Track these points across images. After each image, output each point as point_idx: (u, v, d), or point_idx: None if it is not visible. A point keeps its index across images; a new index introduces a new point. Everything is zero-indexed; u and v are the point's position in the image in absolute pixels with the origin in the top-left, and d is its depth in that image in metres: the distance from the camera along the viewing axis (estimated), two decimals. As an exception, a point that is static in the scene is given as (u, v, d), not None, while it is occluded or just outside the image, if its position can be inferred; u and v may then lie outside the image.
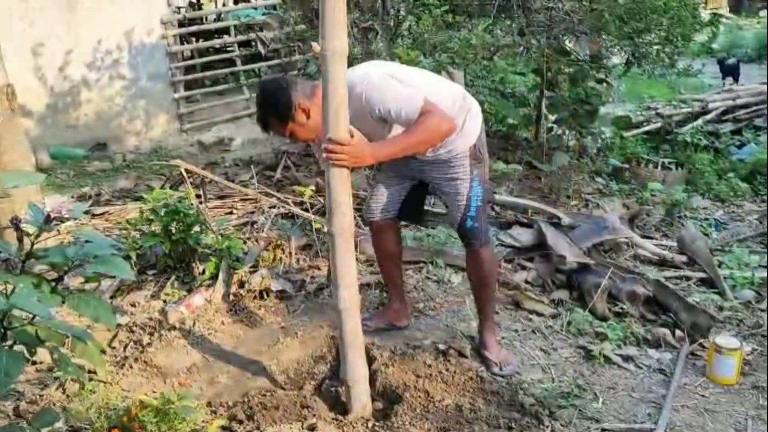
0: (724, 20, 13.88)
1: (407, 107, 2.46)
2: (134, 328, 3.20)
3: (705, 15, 6.76)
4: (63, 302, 2.22)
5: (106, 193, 5.65)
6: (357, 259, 2.94)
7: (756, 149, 6.17)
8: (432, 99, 2.50)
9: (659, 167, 5.79)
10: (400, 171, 2.88)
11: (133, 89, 7.91)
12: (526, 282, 3.72)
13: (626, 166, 5.80)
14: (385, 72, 2.57)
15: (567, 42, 5.55)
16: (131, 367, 2.88)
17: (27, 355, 1.91)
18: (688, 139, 6.37)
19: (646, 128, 6.89)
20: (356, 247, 3.35)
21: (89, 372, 2.71)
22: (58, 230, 3.71)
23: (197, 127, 8.23)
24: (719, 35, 8.04)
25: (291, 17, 6.74)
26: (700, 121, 6.94)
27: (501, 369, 2.85)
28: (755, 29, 14.21)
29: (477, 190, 2.75)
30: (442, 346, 2.97)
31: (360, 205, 4.55)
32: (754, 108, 7.15)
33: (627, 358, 3.04)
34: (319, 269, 3.79)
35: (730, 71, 9.68)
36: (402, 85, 2.52)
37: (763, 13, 16.76)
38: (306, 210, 4.34)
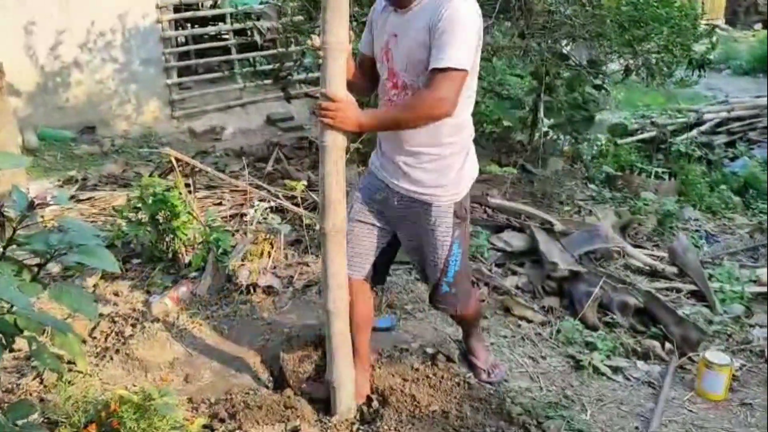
0: (719, 32, 13.94)
1: (452, 53, 2.04)
2: (116, 319, 3.14)
3: (703, 26, 6.75)
4: (44, 290, 2.16)
5: (93, 177, 5.55)
6: (347, 258, 2.88)
7: (749, 162, 6.17)
8: (465, 85, 2.15)
9: (652, 176, 5.77)
10: (378, 210, 2.48)
11: (125, 73, 7.79)
12: (517, 287, 3.68)
13: (620, 174, 5.78)
14: (477, 18, 2.16)
15: (566, 46, 5.52)
16: (112, 358, 2.81)
17: (4, 342, 1.85)
18: (682, 150, 6.36)
19: (641, 136, 6.87)
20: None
21: (68, 362, 2.64)
22: (42, 216, 3.65)
23: (189, 114, 8.13)
24: (716, 47, 8.01)
25: (289, 8, 6.66)
26: (694, 132, 6.94)
27: (489, 376, 2.81)
28: (749, 42, 14.26)
29: (456, 254, 2.41)
30: (430, 350, 2.93)
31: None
32: (748, 121, 7.16)
33: (616, 370, 3.01)
34: (307, 266, 3.73)
35: None
36: (471, 41, 2.11)
37: (758, 26, 16.84)
38: (297, 205, 4.27)
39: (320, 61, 2.14)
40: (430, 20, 2.10)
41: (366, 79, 2.47)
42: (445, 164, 2.32)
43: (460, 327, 2.92)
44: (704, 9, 16.90)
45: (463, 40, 2.07)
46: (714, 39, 6.35)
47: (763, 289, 3.79)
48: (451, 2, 2.09)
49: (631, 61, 5.40)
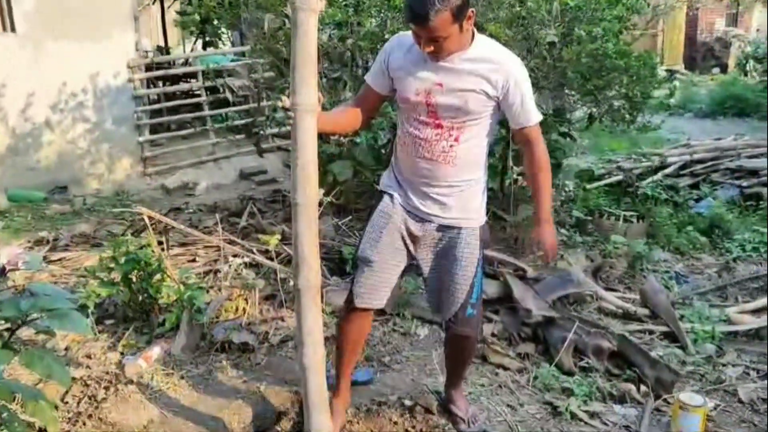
0: (679, 77, 14.46)
1: (534, 108, 2.43)
2: (89, 382, 3.07)
3: (662, 72, 7.01)
4: (15, 356, 2.13)
5: (65, 237, 5.50)
6: (323, 311, 2.89)
7: (713, 203, 6.33)
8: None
9: (621, 220, 5.89)
10: (404, 240, 2.56)
11: (97, 132, 7.80)
12: (493, 335, 3.70)
13: (589, 218, 5.89)
14: None
15: (531, 96, 5.67)
16: (84, 423, 2.75)
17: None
18: (649, 193, 6.51)
19: (608, 181, 7.03)
20: (322, 298, 3.30)
21: (39, 430, 2.58)
22: (14, 281, 3.61)
23: (161, 171, 8.14)
24: (676, 92, 8.33)
25: (260, 65, 6.79)
26: (659, 175, 7.11)
27: (469, 426, 2.80)
28: (709, 86, 14.77)
29: (480, 276, 2.58)
30: (408, 402, 2.92)
31: (327, 255, 4.53)
32: (710, 163, 7.37)
33: (593, 415, 3.02)
34: (283, 320, 3.72)
35: None
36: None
37: (716, 71, 17.48)
38: (271, 258, 4.28)
39: (290, 121, 2.19)
40: (492, 79, 2.33)
41: (362, 115, 2.58)
42: (473, 192, 2.53)
43: (454, 368, 2.86)
44: (663, 56, 17.57)
45: (532, 95, 2.43)
46: (673, 84, 6.61)
47: (734, 328, 3.86)
48: (508, 63, 2.36)
49: (594, 109, 5.57)
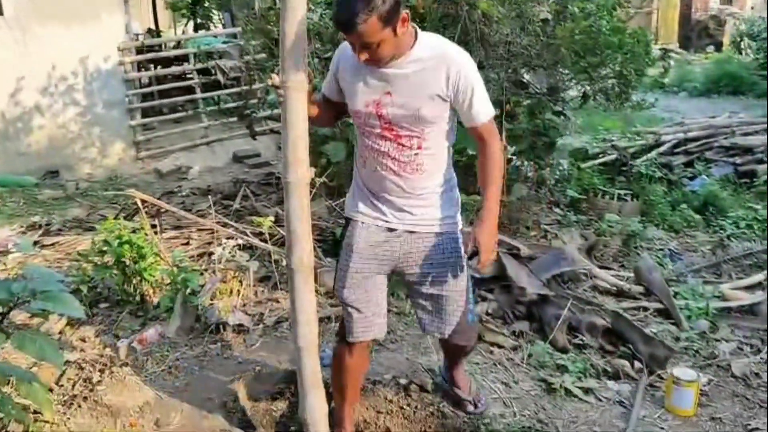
0: (674, 55, 14.39)
1: (486, 103, 2.27)
2: (84, 365, 3.08)
3: (656, 51, 6.96)
4: (8, 339, 2.12)
5: (57, 222, 5.48)
6: (317, 291, 2.89)
7: (707, 181, 6.33)
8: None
9: (615, 198, 5.88)
10: (382, 258, 2.40)
11: (88, 116, 7.74)
12: (487, 314, 3.71)
13: (584, 197, 5.88)
14: None
15: (525, 74, 5.64)
16: (80, 406, 2.75)
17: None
18: (643, 171, 6.50)
19: (602, 160, 7.02)
20: (316, 279, 3.30)
21: (34, 413, 2.58)
22: (5, 264, 3.59)
23: (154, 155, 8.09)
24: (670, 70, 8.27)
25: (251, 46, 6.72)
26: (653, 154, 7.10)
27: (476, 407, 2.80)
28: (704, 64, 14.73)
29: (470, 280, 2.48)
30: (403, 381, 2.93)
31: (320, 237, 4.52)
32: (704, 141, 7.36)
33: (587, 391, 3.03)
34: (277, 302, 3.72)
35: None
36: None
37: (710, 49, 17.42)
38: (265, 241, 4.27)
39: (281, 99, 2.17)
40: (441, 79, 2.18)
41: (330, 114, 2.48)
42: (446, 194, 2.40)
43: (454, 357, 2.81)
44: (657, 34, 17.49)
45: (483, 89, 2.27)
46: (667, 63, 6.57)
47: (727, 304, 3.88)
48: (455, 59, 2.20)
49: (588, 87, 5.54)
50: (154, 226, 4.26)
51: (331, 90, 2.40)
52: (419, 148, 2.27)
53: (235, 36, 8.69)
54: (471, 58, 2.27)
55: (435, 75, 2.18)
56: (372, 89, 2.23)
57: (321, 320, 3.28)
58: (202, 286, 3.69)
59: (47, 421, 2.60)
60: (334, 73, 2.37)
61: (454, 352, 2.76)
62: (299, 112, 2.15)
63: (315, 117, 2.34)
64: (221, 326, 3.43)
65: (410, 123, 2.23)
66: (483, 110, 2.26)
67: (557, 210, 5.64)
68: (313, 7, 5.08)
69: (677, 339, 3.53)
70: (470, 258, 2.33)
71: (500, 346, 3.40)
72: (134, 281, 3.68)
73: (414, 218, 2.35)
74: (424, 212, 2.35)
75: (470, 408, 2.80)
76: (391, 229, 2.37)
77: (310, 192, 2.33)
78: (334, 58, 2.39)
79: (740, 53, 15.60)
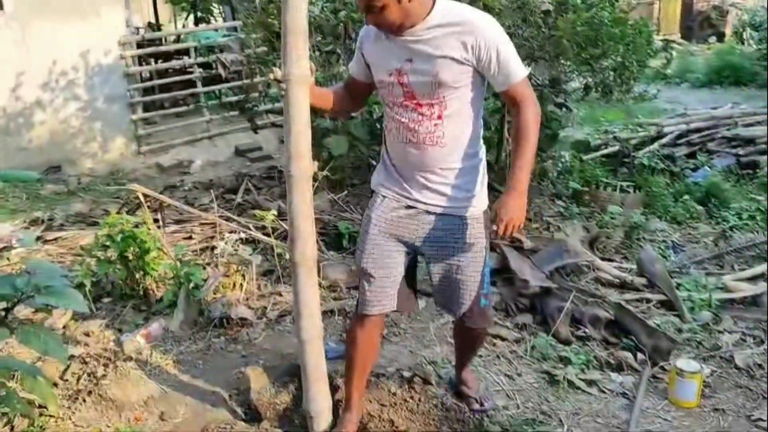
0: (676, 46, 14.35)
1: (515, 65, 2.19)
2: (88, 360, 3.08)
3: (658, 42, 6.95)
4: (12, 334, 2.13)
5: (60, 217, 5.48)
6: (320, 285, 2.89)
7: (710, 172, 6.32)
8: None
9: (618, 190, 5.88)
10: (400, 235, 2.40)
11: (89, 111, 7.74)
12: (490, 306, 3.70)
13: (586, 189, 5.87)
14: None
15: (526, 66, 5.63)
16: (84, 400, 2.76)
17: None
18: (645, 163, 6.49)
19: (605, 152, 7.01)
20: (319, 272, 3.31)
21: (39, 407, 2.59)
22: (8, 259, 3.60)
23: (155, 149, 8.09)
24: (672, 61, 8.28)
25: (252, 40, 6.71)
26: (656, 145, 7.09)
27: (482, 405, 2.80)
28: (706, 55, 14.68)
29: (489, 264, 2.46)
30: (406, 374, 2.93)
31: (324, 230, 4.53)
32: (707, 132, 7.34)
33: (590, 383, 3.04)
34: (281, 295, 3.73)
35: None
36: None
37: (712, 39, 17.36)
38: (267, 234, 4.27)
39: (282, 93, 2.17)
40: (458, 42, 2.15)
41: (352, 101, 2.53)
42: (471, 176, 2.37)
43: (465, 355, 2.83)
44: (659, 25, 17.43)
45: (510, 50, 2.20)
46: (669, 54, 6.56)
47: (730, 296, 3.88)
48: (474, 22, 2.16)
49: (590, 79, 5.53)
50: (156, 221, 4.26)
51: (359, 68, 2.43)
52: (439, 117, 2.25)
53: (235, 29, 8.67)
54: (495, 21, 2.23)
55: (452, 39, 2.17)
56: (395, 58, 2.25)
57: (324, 314, 3.28)
58: (205, 280, 3.70)
59: (52, 416, 2.61)
60: (360, 50, 2.40)
61: (465, 340, 2.74)
62: (301, 105, 2.15)
63: (336, 108, 2.37)
64: (225, 320, 3.44)
65: (431, 89, 2.22)
66: (511, 72, 2.19)
67: (559, 202, 5.63)
68: (314, 0, 5.07)
69: (680, 330, 3.53)
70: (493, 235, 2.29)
71: (503, 339, 3.40)
72: (137, 276, 3.68)
73: (434, 196, 2.34)
74: (444, 189, 2.33)
75: (476, 406, 2.79)
76: (410, 207, 2.37)
77: (313, 185, 2.33)
78: (359, 37, 2.42)
79: (742, 44, 15.54)
